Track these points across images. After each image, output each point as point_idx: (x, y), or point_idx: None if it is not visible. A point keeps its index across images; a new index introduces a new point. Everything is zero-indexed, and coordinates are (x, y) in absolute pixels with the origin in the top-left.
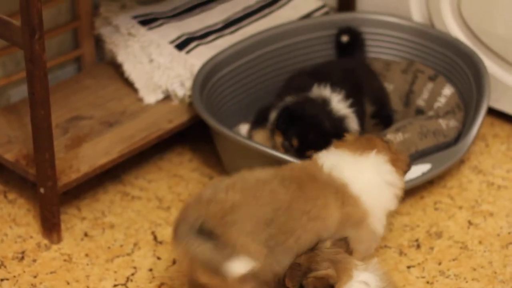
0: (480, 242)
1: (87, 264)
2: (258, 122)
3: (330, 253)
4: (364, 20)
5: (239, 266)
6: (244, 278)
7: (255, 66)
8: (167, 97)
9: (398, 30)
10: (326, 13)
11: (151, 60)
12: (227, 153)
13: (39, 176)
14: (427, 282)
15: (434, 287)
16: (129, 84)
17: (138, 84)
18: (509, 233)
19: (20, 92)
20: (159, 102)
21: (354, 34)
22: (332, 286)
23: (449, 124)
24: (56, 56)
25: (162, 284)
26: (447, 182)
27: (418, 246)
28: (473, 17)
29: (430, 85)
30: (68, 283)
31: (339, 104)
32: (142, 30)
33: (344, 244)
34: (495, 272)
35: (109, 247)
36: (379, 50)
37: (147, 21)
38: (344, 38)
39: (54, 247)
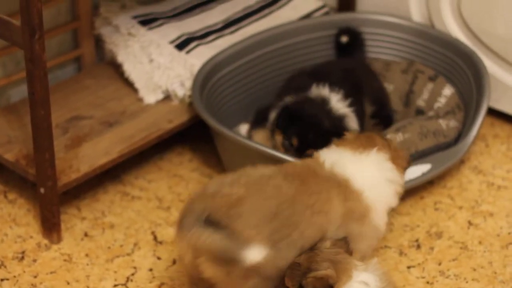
0: (480, 242)
1: (87, 264)
2: (258, 122)
3: (330, 253)
4: (364, 20)
5: (254, 254)
6: (247, 274)
7: (255, 66)
8: (167, 97)
9: (398, 30)
10: (326, 13)
11: (151, 60)
12: (227, 153)
13: (39, 176)
14: (427, 282)
15: (434, 287)
16: (129, 84)
17: (138, 84)
18: (509, 233)
19: (20, 92)
20: (159, 102)
21: (354, 34)
22: (331, 287)
23: (449, 124)
24: (56, 56)
25: (162, 284)
26: (447, 182)
27: (418, 246)
28: (473, 17)
29: (430, 85)
30: (68, 283)
31: (338, 103)
32: (142, 30)
33: (344, 244)
34: (495, 272)
35: (109, 247)
36: (379, 50)
37: (147, 21)
38: (344, 39)
39: (54, 247)
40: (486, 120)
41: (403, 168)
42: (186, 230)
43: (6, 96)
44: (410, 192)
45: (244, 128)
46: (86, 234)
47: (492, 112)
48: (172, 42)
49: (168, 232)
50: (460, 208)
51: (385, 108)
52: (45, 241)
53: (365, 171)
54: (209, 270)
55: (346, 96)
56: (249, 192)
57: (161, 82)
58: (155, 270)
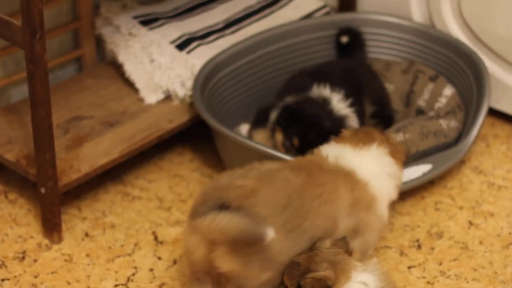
0: (480, 243)
1: (88, 264)
2: (259, 122)
3: (330, 253)
4: (365, 20)
5: (272, 233)
6: (264, 265)
7: (256, 66)
8: (168, 97)
9: (399, 31)
10: (327, 14)
11: (152, 60)
12: (227, 153)
13: (40, 176)
14: (428, 283)
15: (434, 287)
16: (129, 84)
17: (138, 84)
18: (509, 233)
19: (21, 92)
20: (159, 102)
21: (355, 35)
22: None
23: (449, 125)
24: (56, 56)
25: (162, 284)
26: (447, 183)
27: (419, 247)
28: (474, 17)
29: (430, 86)
30: (68, 283)
31: (339, 103)
32: (143, 30)
33: (344, 245)
34: (496, 273)
35: (109, 247)
36: (380, 50)
37: (148, 21)
38: (344, 39)
39: (55, 247)
40: (486, 120)
41: (402, 162)
42: (200, 218)
43: (6, 96)
44: (411, 192)
45: (244, 128)
46: (86, 234)
47: (493, 112)
48: (173, 42)
49: (168, 232)
50: (461, 208)
51: (386, 108)
52: (46, 241)
53: (368, 165)
54: (225, 264)
55: (347, 96)
56: (260, 184)
57: (162, 82)
58: (155, 270)
